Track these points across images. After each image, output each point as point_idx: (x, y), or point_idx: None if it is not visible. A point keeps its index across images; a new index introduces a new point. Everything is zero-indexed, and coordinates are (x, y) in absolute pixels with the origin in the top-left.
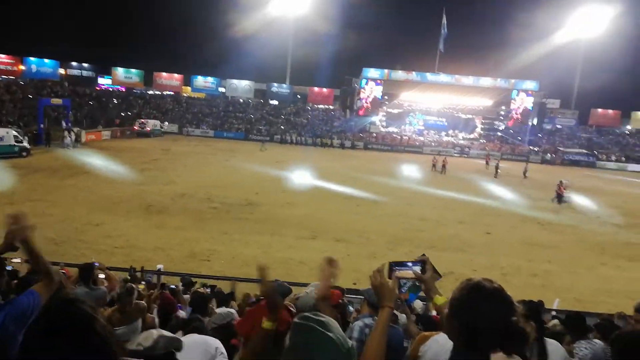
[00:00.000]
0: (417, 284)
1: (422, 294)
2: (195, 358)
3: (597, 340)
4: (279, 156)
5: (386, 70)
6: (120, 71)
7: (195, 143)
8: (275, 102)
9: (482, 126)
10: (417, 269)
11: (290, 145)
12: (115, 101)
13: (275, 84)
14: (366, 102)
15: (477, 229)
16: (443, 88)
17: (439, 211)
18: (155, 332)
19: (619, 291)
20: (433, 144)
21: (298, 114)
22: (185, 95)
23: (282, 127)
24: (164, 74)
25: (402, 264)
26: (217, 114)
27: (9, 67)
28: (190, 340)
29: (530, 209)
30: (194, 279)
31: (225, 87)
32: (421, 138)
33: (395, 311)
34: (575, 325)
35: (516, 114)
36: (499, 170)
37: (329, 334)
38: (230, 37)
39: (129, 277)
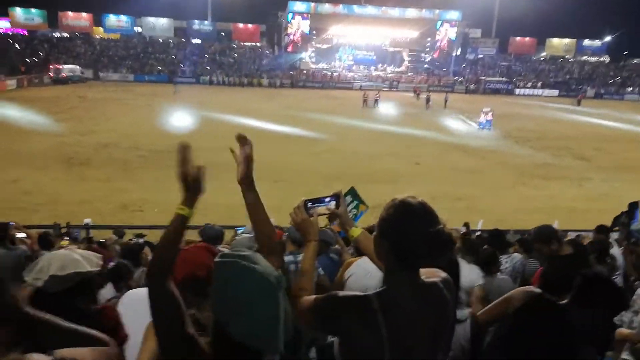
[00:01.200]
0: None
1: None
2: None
3: (516, 254)
4: (208, 98)
5: (312, 3)
6: (18, 12)
7: (113, 88)
8: (198, 41)
9: (410, 59)
10: (332, 204)
11: (218, 87)
12: (17, 46)
13: (197, 21)
14: (294, 37)
15: (407, 160)
16: (370, 21)
17: (371, 145)
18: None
19: (537, 208)
20: (363, 79)
21: (224, 52)
22: (97, 36)
23: (207, 67)
24: (71, 13)
25: (317, 200)
26: (136, 56)
27: None
28: (134, 294)
29: (455, 137)
30: (126, 231)
31: (141, 26)
32: (351, 74)
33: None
34: (495, 241)
35: (441, 44)
36: (430, 102)
37: (253, 265)
38: None
39: (47, 231)
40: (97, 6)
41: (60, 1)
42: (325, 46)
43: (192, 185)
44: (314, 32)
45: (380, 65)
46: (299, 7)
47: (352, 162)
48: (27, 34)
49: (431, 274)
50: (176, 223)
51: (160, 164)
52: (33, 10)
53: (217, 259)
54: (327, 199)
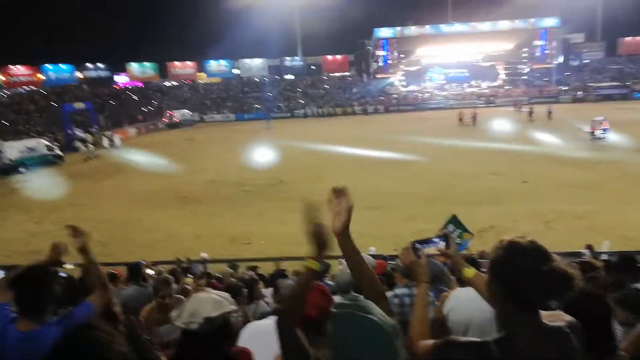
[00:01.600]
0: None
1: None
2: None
3: None
4: (302, 131)
5: (398, 28)
6: (134, 67)
7: (217, 129)
8: (290, 77)
9: (506, 72)
10: (442, 244)
11: (312, 119)
12: (135, 97)
13: (288, 58)
14: (382, 64)
15: (513, 178)
16: (460, 37)
17: (471, 164)
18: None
19: None
20: (457, 97)
21: (314, 85)
22: (201, 82)
23: (301, 101)
24: (177, 63)
25: (425, 241)
26: (235, 97)
27: (29, 78)
28: (254, 328)
29: (564, 150)
30: (239, 263)
31: (239, 68)
32: (443, 93)
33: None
34: (628, 266)
35: (539, 54)
36: (533, 115)
37: (370, 316)
38: (238, 17)
39: (175, 269)
40: (199, 54)
41: (168, 53)
42: (414, 68)
43: (320, 242)
44: (402, 55)
45: (474, 82)
46: (385, 32)
47: (451, 183)
48: (142, 86)
49: (555, 317)
50: (307, 276)
51: (262, 197)
52: (146, 64)
53: (334, 310)
54: (436, 239)
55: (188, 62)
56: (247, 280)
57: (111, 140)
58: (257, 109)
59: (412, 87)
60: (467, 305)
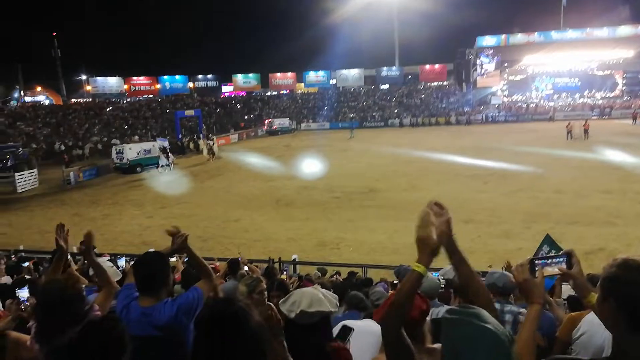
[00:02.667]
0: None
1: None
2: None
3: None
4: (395, 141)
5: (503, 36)
6: (239, 77)
7: (312, 136)
8: (386, 86)
9: (624, 81)
10: (563, 264)
11: (406, 128)
12: (238, 106)
13: (385, 68)
14: (483, 73)
15: (626, 197)
16: (572, 45)
17: (578, 181)
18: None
19: None
20: (566, 108)
21: (410, 94)
22: (299, 92)
23: (395, 110)
24: (278, 74)
25: (545, 258)
26: (331, 106)
27: (148, 87)
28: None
29: None
30: (326, 267)
31: (336, 79)
32: (551, 103)
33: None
34: None
35: None
36: None
37: (486, 325)
38: (336, 28)
39: (270, 266)
40: (299, 65)
41: (270, 65)
42: (518, 77)
43: (431, 249)
44: (506, 64)
45: (587, 92)
46: (489, 41)
47: (555, 200)
48: (245, 95)
49: None
50: (413, 279)
51: (352, 204)
52: (250, 75)
53: (447, 316)
54: (557, 259)
55: (288, 73)
56: (338, 285)
57: (213, 146)
58: (351, 117)
59: (515, 97)
60: (600, 330)
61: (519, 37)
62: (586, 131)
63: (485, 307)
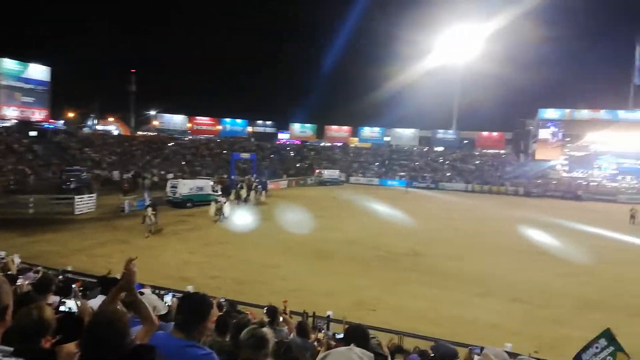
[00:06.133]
0: None
1: None
2: None
3: None
4: (445, 205)
5: (567, 110)
6: (296, 126)
7: (360, 190)
8: (440, 148)
9: None
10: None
11: (459, 192)
12: (292, 153)
13: (441, 131)
14: (543, 145)
15: None
16: None
17: None
18: None
19: None
20: (631, 191)
21: (464, 160)
22: (352, 145)
23: (447, 174)
24: (334, 126)
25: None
26: (382, 162)
27: (210, 127)
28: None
29: None
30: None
31: (390, 136)
32: (614, 184)
33: None
34: None
35: None
36: None
37: None
38: (395, 87)
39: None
40: (356, 120)
41: (327, 117)
42: (580, 153)
43: None
44: (568, 138)
45: None
46: (551, 114)
47: (615, 289)
48: (300, 143)
49: None
50: None
51: (396, 266)
52: (307, 125)
53: None
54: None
55: (344, 127)
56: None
57: (261, 190)
58: (401, 176)
59: (576, 174)
60: None
61: (583, 113)
62: None
63: None
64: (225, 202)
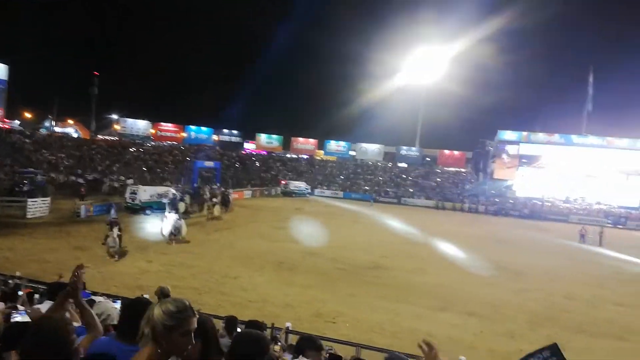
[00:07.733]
0: None
1: None
2: None
3: None
4: (407, 219)
5: (524, 133)
6: (262, 137)
7: (324, 203)
8: (403, 165)
9: None
10: None
11: (418, 208)
12: (257, 163)
13: (405, 147)
14: (501, 165)
15: None
16: (592, 151)
17: (590, 289)
18: None
19: None
20: (581, 212)
21: (427, 176)
22: (318, 158)
23: (410, 189)
24: (301, 139)
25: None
26: (347, 176)
27: (174, 134)
28: None
29: None
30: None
31: (355, 151)
32: (567, 205)
33: None
34: None
35: None
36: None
37: None
38: (362, 104)
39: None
40: (322, 133)
41: (294, 129)
42: (536, 174)
43: None
44: (525, 160)
45: (603, 198)
46: (510, 135)
47: (566, 305)
48: (266, 154)
49: None
50: None
51: (356, 279)
52: (274, 135)
53: None
54: (543, 355)
55: (310, 139)
56: None
57: (224, 199)
58: (365, 190)
59: (531, 194)
60: None
61: (540, 136)
62: (601, 237)
63: None
64: (178, 219)
